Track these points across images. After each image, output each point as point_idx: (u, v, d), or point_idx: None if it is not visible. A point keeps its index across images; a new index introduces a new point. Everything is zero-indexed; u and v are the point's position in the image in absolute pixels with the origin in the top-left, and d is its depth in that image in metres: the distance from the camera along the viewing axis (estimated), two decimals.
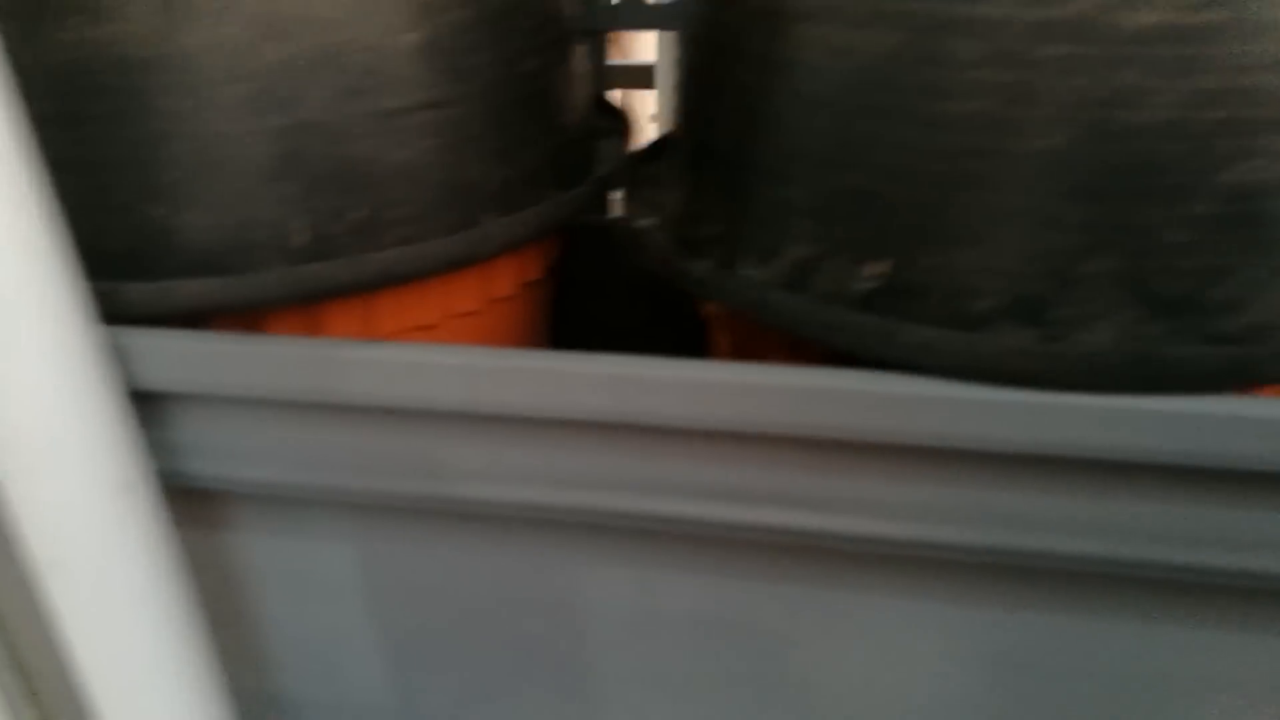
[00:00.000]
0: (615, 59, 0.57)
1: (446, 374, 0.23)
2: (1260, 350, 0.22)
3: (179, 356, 0.25)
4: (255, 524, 0.29)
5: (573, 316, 0.40)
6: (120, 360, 0.25)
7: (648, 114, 0.66)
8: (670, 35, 0.51)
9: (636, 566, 0.28)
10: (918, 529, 0.24)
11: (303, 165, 0.26)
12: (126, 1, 0.25)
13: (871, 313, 0.23)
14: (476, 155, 0.29)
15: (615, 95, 0.57)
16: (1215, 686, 0.25)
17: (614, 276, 0.42)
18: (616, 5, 0.46)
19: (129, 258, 0.26)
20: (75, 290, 0.23)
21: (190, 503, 0.28)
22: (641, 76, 0.56)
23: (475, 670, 0.31)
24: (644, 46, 0.69)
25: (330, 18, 0.26)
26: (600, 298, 0.43)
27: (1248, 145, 0.21)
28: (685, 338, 0.34)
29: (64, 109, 0.25)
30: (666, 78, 0.55)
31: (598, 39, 0.47)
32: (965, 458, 0.22)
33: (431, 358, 0.23)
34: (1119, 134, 0.21)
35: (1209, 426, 0.21)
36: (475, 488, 0.25)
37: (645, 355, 0.23)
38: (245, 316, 0.28)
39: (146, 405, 0.26)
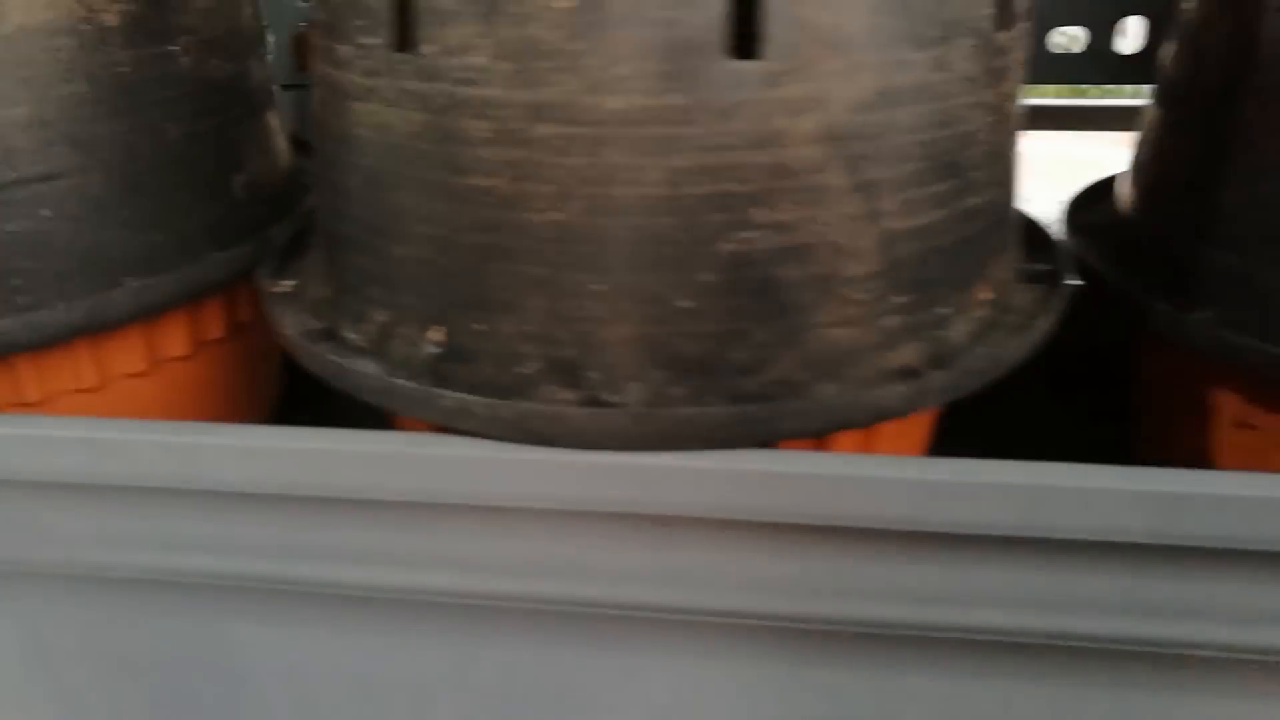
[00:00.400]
0: None
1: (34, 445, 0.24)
2: (778, 408, 0.23)
3: None
4: None
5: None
6: None
7: None
8: None
9: (291, 626, 0.28)
10: (503, 584, 0.25)
11: None
12: None
13: (429, 379, 0.24)
14: (109, 222, 0.29)
15: None
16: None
17: None
18: None
19: None
20: None
21: None
22: None
23: None
24: None
25: None
26: None
27: (738, 218, 0.22)
28: None
29: None
30: None
31: None
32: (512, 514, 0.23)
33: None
34: (617, 209, 0.22)
35: (725, 481, 0.22)
36: (88, 554, 0.26)
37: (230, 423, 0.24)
38: None
39: None
